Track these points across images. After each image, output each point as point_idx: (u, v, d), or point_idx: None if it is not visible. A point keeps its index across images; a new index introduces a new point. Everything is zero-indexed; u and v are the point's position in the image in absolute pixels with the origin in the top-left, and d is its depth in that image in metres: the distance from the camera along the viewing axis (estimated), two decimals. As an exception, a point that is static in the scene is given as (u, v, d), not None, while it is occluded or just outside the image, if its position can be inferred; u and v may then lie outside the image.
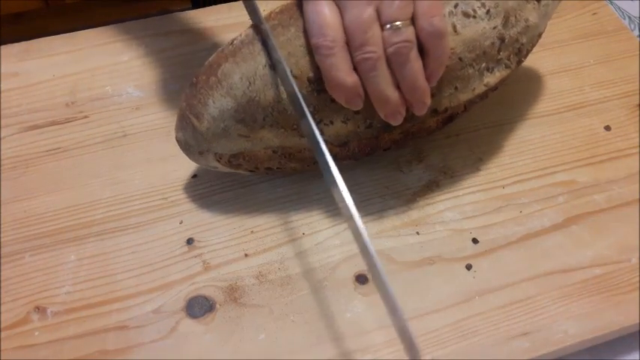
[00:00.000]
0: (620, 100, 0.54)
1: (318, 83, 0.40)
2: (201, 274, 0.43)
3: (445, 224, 0.46)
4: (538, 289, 0.42)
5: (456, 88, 0.42)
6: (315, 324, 0.41)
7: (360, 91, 0.39)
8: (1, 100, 0.54)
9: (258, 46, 0.41)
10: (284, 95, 0.41)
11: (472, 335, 0.40)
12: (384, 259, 0.44)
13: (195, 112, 0.43)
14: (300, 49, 0.40)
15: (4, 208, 0.47)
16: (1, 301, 0.42)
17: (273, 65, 0.40)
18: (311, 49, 0.39)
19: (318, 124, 0.42)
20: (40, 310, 0.42)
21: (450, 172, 0.49)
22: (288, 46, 0.40)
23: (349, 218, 0.36)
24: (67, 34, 0.59)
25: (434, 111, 0.43)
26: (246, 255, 0.45)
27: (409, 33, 0.38)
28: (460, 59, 0.41)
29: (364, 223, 0.46)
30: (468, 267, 0.44)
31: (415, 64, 0.39)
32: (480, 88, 0.43)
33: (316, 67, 0.39)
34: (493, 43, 0.42)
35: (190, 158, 0.46)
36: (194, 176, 0.49)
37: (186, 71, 0.55)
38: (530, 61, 0.57)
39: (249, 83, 0.41)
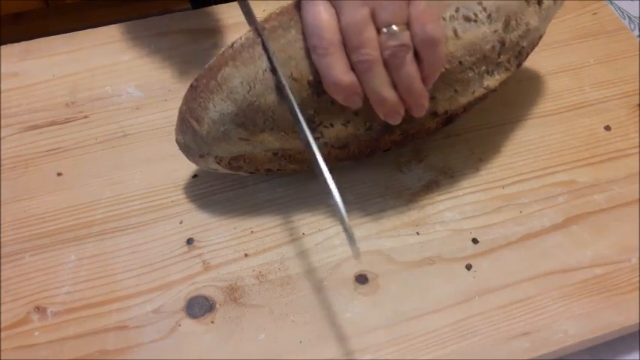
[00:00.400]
0: (620, 100, 0.54)
1: (318, 86, 0.40)
2: (201, 274, 0.43)
3: (445, 224, 0.46)
4: (538, 289, 0.42)
5: (455, 91, 0.42)
6: (315, 324, 0.41)
7: (357, 89, 0.39)
8: (1, 100, 0.54)
9: (258, 50, 0.41)
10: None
11: (472, 335, 0.40)
12: (384, 259, 0.44)
13: (195, 115, 0.43)
14: (300, 52, 0.40)
15: (4, 208, 0.47)
16: (1, 301, 0.42)
17: (273, 70, 0.40)
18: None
19: (318, 126, 0.42)
20: (40, 310, 0.42)
21: (450, 172, 0.49)
22: (289, 48, 0.40)
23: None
24: (67, 34, 0.59)
25: (433, 113, 0.43)
26: (246, 255, 0.45)
27: (405, 37, 0.38)
28: (460, 63, 0.41)
29: (364, 223, 0.46)
30: (468, 267, 0.44)
31: (411, 67, 0.38)
32: (479, 91, 0.43)
33: (316, 70, 0.39)
34: (493, 47, 0.42)
35: (190, 160, 0.46)
36: (194, 176, 0.49)
37: (186, 71, 0.55)
38: (530, 62, 0.56)
39: (250, 87, 0.41)
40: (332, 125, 0.42)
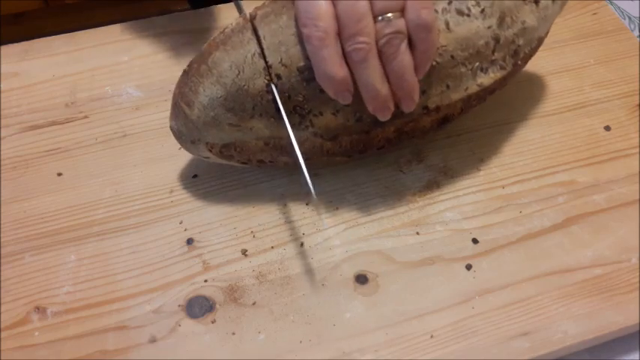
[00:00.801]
0: (620, 100, 0.54)
1: (308, 72, 0.40)
2: (201, 274, 0.43)
3: (445, 224, 0.46)
4: (538, 289, 0.42)
5: (447, 86, 0.42)
6: (315, 324, 0.41)
7: (349, 86, 0.39)
8: (1, 100, 0.54)
9: (247, 35, 0.41)
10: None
11: (472, 335, 0.40)
12: (384, 259, 0.44)
13: (186, 99, 0.43)
14: (291, 38, 0.40)
15: (4, 208, 0.47)
16: (1, 301, 0.42)
17: (263, 54, 0.40)
18: (302, 38, 0.39)
19: (307, 114, 0.42)
20: (40, 310, 0.42)
21: (450, 172, 0.49)
22: (280, 34, 0.40)
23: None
24: (67, 34, 0.59)
25: (424, 108, 0.42)
26: (246, 255, 0.45)
27: (400, 24, 0.38)
28: (452, 57, 0.41)
29: (364, 223, 0.46)
30: (468, 267, 0.44)
31: (404, 56, 0.38)
32: (472, 88, 0.43)
33: (306, 57, 0.39)
34: (487, 43, 0.42)
35: (183, 147, 0.46)
36: (194, 176, 0.49)
37: (186, 71, 0.55)
38: (530, 62, 0.57)
39: (239, 71, 0.41)
40: (321, 114, 0.42)
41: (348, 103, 0.40)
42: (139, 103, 0.54)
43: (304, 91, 0.41)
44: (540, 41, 0.46)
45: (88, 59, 0.57)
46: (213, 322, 0.41)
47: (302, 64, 0.40)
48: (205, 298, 0.42)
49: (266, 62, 0.41)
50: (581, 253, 0.44)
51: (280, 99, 0.41)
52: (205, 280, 0.43)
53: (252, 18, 0.42)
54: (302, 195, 0.48)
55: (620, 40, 0.59)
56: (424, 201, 0.47)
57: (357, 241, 0.45)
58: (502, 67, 0.43)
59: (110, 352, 0.40)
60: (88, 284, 0.43)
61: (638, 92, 0.54)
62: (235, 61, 0.41)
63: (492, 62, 0.43)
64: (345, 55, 0.38)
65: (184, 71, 0.44)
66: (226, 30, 0.42)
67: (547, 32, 0.47)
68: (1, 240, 0.45)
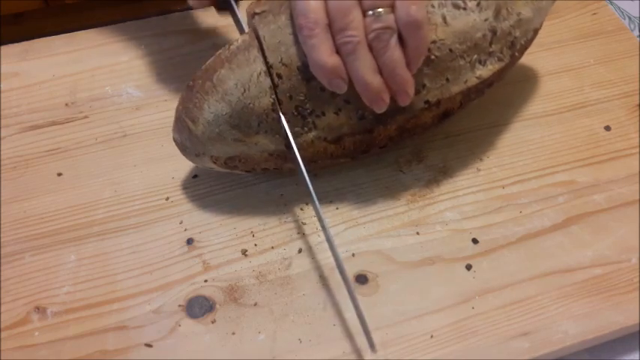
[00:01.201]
0: (620, 100, 0.54)
1: (308, 71, 0.40)
2: (201, 274, 0.43)
3: (445, 224, 0.46)
4: (538, 289, 0.42)
5: (447, 79, 0.42)
6: (315, 324, 0.41)
7: (341, 72, 0.39)
8: (1, 100, 0.54)
9: (253, 53, 0.41)
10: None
11: (472, 335, 0.40)
12: (384, 259, 0.44)
13: (190, 115, 0.43)
14: (290, 38, 0.40)
15: (4, 208, 0.47)
16: (1, 301, 0.42)
17: (269, 72, 0.41)
18: None
19: (309, 115, 0.42)
20: (40, 310, 0.42)
21: (450, 172, 0.49)
22: (279, 34, 0.41)
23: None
24: (67, 34, 0.59)
25: (425, 102, 0.43)
26: (246, 255, 0.45)
27: (390, 20, 0.38)
28: (450, 50, 0.41)
29: (364, 223, 0.46)
30: (468, 267, 0.44)
31: (395, 51, 0.39)
32: (472, 81, 0.43)
33: (306, 56, 0.40)
34: (484, 35, 0.42)
35: (187, 158, 0.46)
36: (194, 176, 0.49)
37: (186, 71, 0.55)
38: (530, 61, 0.57)
39: (244, 90, 0.41)
40: (324, 114, 0.42)
41: (342, 91, 0.40)
42: (139, 103, 0.54)
43: (305, 89, 0.41)
44: (535, 32, 0.47)
45: (88, 59, 0.57)
46: (213, 322, 0.41)
47: (301, 63, 0.40)
48: (205, 298, 0.42)
49: (268, 68, 0.41)
50: (581, 253, 0.44)
51: (281, 100, 0.41)
52: (205, 280, 0.43)
53: (251, 15, 0.42)
54: (302, 195, 0.48)
55: (620, 40, 0.59)
56: (424, 201, 0.47)
57: (357, 241, 0.45)
58: (500, 59, 0.44)
59: (110, 352, 0.40)
60: (88, 284, 0.43)
61: (638, 92, 0.54)
62: (241, 80, 0.41)
63: (490, 54, 0.43)
64: (336, 48, 0.39)
65: (188, 86, 0.43)
66: (231, 47, 0.42)
67: (541, 24, 0.47)
68: (1, 240, 0.45)
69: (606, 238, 0.45)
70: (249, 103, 0.41)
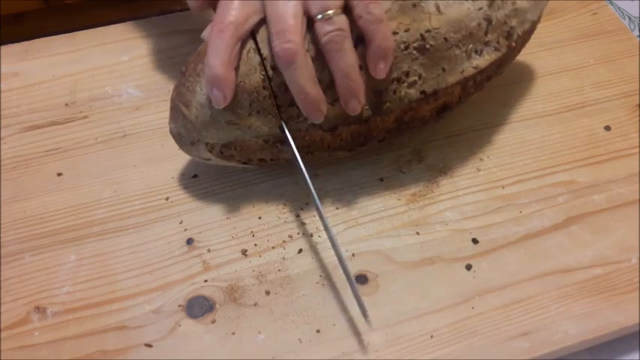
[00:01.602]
0: (620, 100, 0.54)
1: None
2: (201, 274, 0.43)
3: (445, 224, 0.46)
4: (538, 289, 0.42)
5: (443, 69, 0.42)
6: (315, 324, 0.41)
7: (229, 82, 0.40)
8: (1, 100, 0.54)
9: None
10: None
11: (472, 335, 0.40)
12: (384, 259, 0.44)
13: (184, 100, 0.43)
14: None
15: (4, 208, 0.47)
16: (1, 301, 0.42)
17: (258, 50, 0.41)
18: None
19: None
20: (40, 310, 0.42)
21: (450, 172, 0.49)
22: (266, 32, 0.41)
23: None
24: (67, 34, 0.59)
25: (422, 92, 0.42)
26: (246, 255, 0.45)
27: (341, 21, 0.38)
28: (445, 39, 0.41)
29: (364, 223, 0.46)
30: (468, 267, 0.44)
31: (349, 54, 0.38)
32: (468, 71, 0.43)
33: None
34: (479, 24, 0.42)
35: (183, 150, 0.46)
36: (194, 176, 0.49)
37: (186, 71, 0.55)
38: (530, 61, 0.57)
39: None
40: None
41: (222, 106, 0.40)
42: (139, 103, 0.54)
43: None
44: (533, 25, 0.47)
45: (88, 59, 0.57)
46: (213, 322, 0.41)
47: None
48: (205, 298, 0.42)
49: (262, 60, 0.41)
50: (581, 253, 0.44)
51: (276, 92, 0.41)
52: (205, 280, 0.43)
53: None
54: (302, 195, 0.48)
55: (620, 40, 0.59)
56: (424, 201, 0.47)
57: (357, 241, 0.45)
58: (496, 49, 0.44)
59: (110, 352, 0.40)
60: (88, 284, 0.43)
61: (638, 92, 0.54)
62: None
63: (486, 44, 0.43)
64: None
65: (181, 72, 0.44)
66: None
67: (540, 17, 0.47)
68: (1, 240, 0.45)
69: (606, 238, 0.45)
70: (240, 81, 0.41)
